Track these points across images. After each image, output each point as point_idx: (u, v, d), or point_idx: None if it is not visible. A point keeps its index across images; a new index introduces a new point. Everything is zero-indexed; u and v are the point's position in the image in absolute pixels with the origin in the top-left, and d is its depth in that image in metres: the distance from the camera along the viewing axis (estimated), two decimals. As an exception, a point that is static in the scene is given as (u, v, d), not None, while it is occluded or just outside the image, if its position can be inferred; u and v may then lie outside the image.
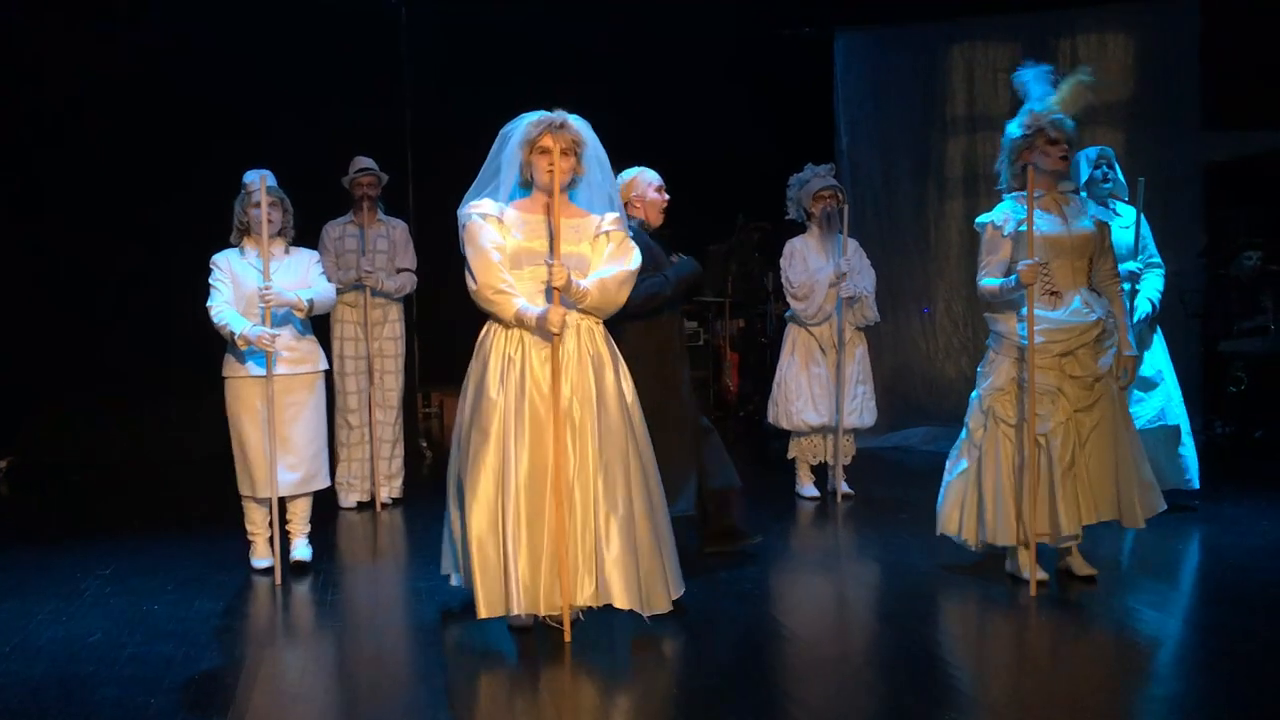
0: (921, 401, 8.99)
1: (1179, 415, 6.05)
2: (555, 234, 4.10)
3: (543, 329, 4.06)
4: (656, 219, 5.29)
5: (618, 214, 4.29)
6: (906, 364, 8.94)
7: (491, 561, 4.02)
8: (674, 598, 4.21)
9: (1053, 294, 4.65)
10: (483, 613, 4.01)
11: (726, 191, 9.33)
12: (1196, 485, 6.10)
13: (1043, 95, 4.68)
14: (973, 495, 4.76)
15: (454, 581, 4.35)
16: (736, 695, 3.65)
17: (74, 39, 8.32)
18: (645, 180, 5.29)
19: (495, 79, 8.99)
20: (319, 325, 5.55)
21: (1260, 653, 3.95)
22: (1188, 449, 6.07)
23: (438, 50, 8.90)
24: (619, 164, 5.92)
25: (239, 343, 5.06)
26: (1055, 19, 8.78)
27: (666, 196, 5.30)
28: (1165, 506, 4.77)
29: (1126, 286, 5.63)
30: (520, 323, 4.09)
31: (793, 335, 6.75)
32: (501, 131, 4.24)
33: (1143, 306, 5.91)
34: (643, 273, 4.92)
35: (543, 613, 4.07)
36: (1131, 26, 8.70)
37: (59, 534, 6.29)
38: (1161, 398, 6.02)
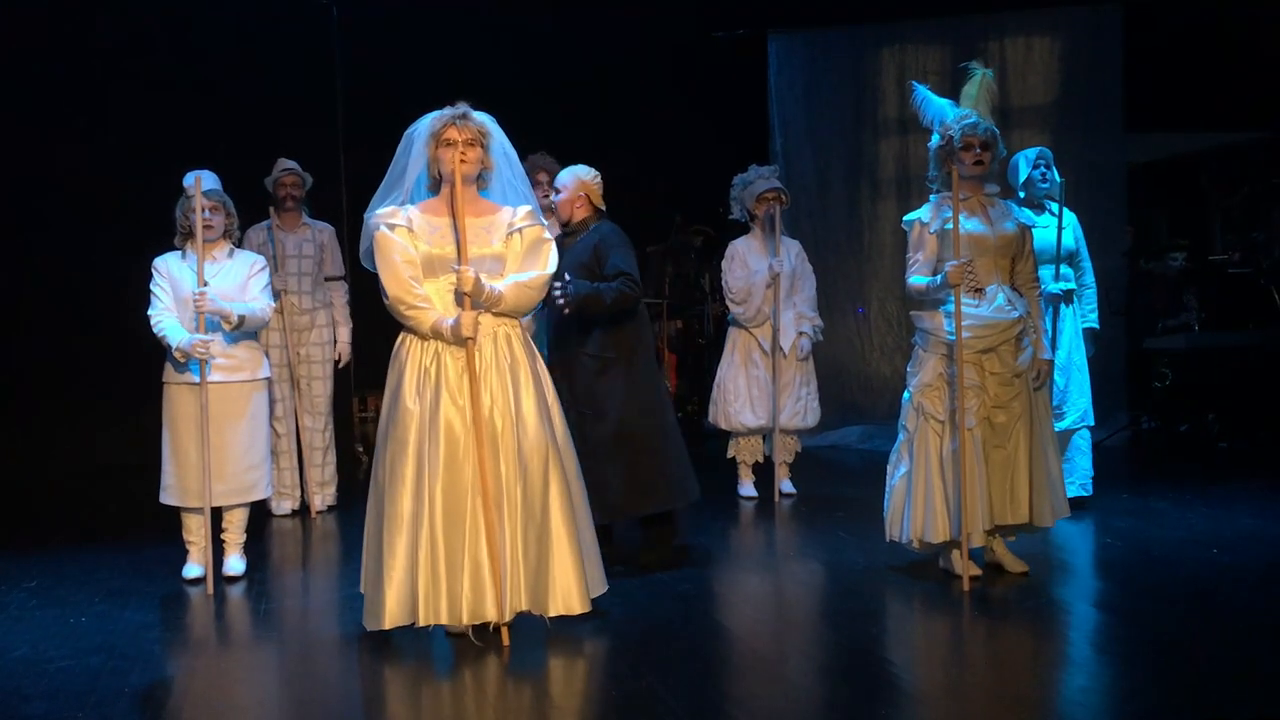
0: (856, 400, 9.09)
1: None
2: (461, 238, 4.04)
3: (457, 336, 4.02)
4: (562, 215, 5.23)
5: (530, 207, 4.24)
6: (841, 363, 9.02)
7: (401, 570, 3.96)
8: (594, 596, 4.18)
9: (976, 290, 4.75)
10: (386, 623, 3.96)
11: (663, 193, 9.34)
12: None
13: (945, 106, 4.78)
14: (916, 495, 4.81)
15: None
16: (675, 696, 3.65)
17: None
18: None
19: (429, 79, 8.90)
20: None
21: (1187, 642, 4.04)
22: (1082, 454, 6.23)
23: (370, 50, 8.80)
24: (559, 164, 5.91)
25: (176, 355, 4.98)
26: (983, 23, 8.94)
27: (549, 195, 5.25)
28: (1069, 513, 4.88)
29: (1048, 308, 5.78)
30: (438, 335, 4.05)
31: (734, 336, 6.79)
32: (406, 133, 4.19)
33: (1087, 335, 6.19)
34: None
35: (466, 623, 3.99)
36: (1057, 30, 8.89)
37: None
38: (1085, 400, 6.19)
